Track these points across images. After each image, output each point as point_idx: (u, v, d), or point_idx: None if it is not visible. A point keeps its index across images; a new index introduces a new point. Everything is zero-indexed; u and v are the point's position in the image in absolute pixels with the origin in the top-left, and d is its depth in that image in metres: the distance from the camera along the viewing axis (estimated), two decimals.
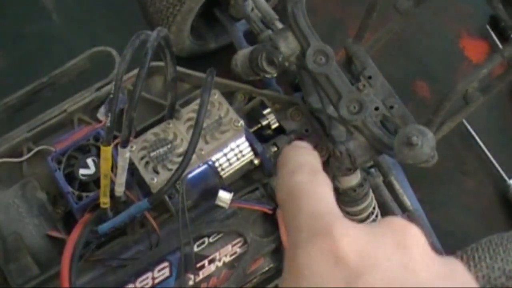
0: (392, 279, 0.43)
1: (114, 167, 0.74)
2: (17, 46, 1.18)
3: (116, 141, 0.76)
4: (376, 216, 0.79)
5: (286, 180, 0.53)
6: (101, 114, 0.88)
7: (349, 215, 0.78)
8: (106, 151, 0.71)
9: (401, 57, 1.11)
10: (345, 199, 0.76)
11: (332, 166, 0.75)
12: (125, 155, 0.71)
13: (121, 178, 0.74)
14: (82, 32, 1.18)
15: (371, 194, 0.78)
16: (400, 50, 1.10)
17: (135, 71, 0.86)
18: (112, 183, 0.74)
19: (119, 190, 0.75)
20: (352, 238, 0.44)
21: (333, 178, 0.77)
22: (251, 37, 1.01)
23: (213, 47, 1.08)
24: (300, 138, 0.84)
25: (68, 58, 0.94)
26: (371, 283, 0.42)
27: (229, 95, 0.87)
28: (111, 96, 0.69)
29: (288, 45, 0.77)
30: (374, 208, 0.79)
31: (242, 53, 0.88)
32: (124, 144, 0.71)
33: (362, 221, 0.78)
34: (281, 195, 0.53)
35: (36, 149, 0.86)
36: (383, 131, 0.73)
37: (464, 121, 1.04)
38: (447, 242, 0.88)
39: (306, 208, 0.48)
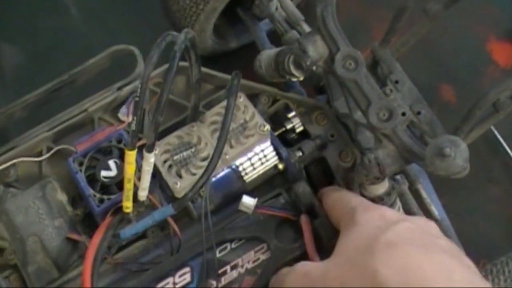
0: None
1: (137, 170, 0.73)
2: (34, 41, 1.17)
3: (139, 143, 0.74)
4: None
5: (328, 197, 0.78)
6: (122, 114, 0.86)
7: None
8: (131, 155, 0.69)
9: (426, 59, 1.09)
10: None
11: (359, 174, 0.73)
12: (150, 159, 0.70)
13: (145, 182, 0.72)
14: (101, 27, 1.16)
15: (398, 203, 0.76)
16: (425, 52, 1.08)
17: (158, 71, 0.85)
18: (135, 187, 0.73)
19: (143, 194, 0.74)
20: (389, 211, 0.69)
21: (360, 186, 0.75)
22: (274, 37, 0.99)
23: (234, 46, 1.06)
24: (325, 143, 0.83)
25: (86, 54, 0.93)
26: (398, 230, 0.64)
27: (252, 97, 0.85)
28: (137, 99, 0.68)
29: (316, 49, 0.75)
30: None
31: (267, 54, 0.86)
32: (150, 149, 0.69)
33: None
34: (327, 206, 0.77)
35: (56, 149, 0.85)
36: (413, 140, 0.71)
37: (492, 127, 1.02)
38: (471, 250, 0.86)
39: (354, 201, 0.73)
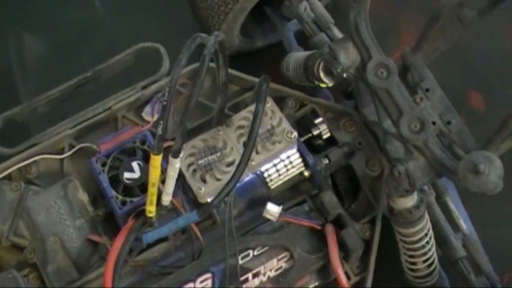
0: None
1: (161, 173, 0.72)
2: (58, 32, 1.15)
3: (164, 145, 0.73)
4: (430, 238, 0.75)
5: None
6: (146, 113, 0.85)
7: (401, 236, 0.75)
8: (156, 160, 0.68)
9: (455, 66, 1.07)
10: (400, 220, 0.73)
11: (388, 185, 0.72)
12: (175, 165, 0.69)
13: (170, 187, 0.71)
14: (125, 20, 1.15)
15: (426, 216, 0.74)
16: (455, 58, 1.06)
17: (184, 71, 0.84)
18: (159, 190, 0.72)
19: (167, 199, 0.72)
20: None
21: (388, 197, 0.73)
22: (301, 38, 0.98)
23: (260, 46, 1.05)
24: (353, 151, 0.81)
25: (110, 47, 0.92)
26: None
27: (279, 100, 0.84)
28: (164, 103, 0.67)
29: (348, 56, 0.74)
30: (428, 230, 0.75)
31: (295, 57, 0.84)
32: (176, 155, 0.68)
33: (414, 243, 0.75)
34: None
35: (78, 146, 0.84)
36: (446, 154, 0.70)
37: None
38: (497, 260, 0.85)
39: None
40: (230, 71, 0.83)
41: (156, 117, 0.84)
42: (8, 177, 0.83)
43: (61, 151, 0.84)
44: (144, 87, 0.86)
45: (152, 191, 0.71)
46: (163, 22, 1.14)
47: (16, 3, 1.16)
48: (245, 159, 0.69)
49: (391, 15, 1.11)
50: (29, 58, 1.14)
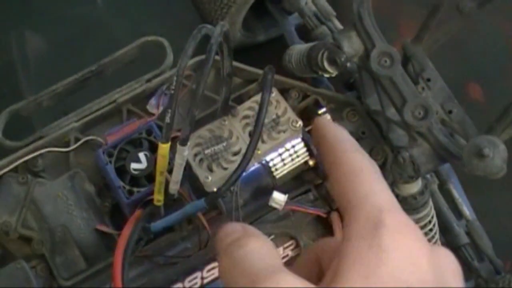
0: None
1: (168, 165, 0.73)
2: (60, 29, 1.16)
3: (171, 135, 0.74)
4: (434, 225, 0.77)
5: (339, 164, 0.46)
6: (151, 106, 0.86)
7: None
8: (164, 148, 0.69)
9: (455, 58, 1.09)
10: (404, 207, 0.74)
11: (393, 172, 0.73)
12: (183, 153, 0.70)
13: (177, 176, 0.72)
14: (126, 17, 1.16)
15: (430, 203, 0.75)
16: (454, 50, 1.07)
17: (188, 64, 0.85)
18: (166, 180, 0.73)
19: (174, 188, 0.73)
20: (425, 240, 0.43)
21: (393, 184, 0.74)
22: (302, 32, 0.99)
23: (262, 40, 1.06)
24: (356, 140, 0.82)
25: (112, 43, 0.93)
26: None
27: (282, 92, 0.84)
28: (172, 91, 0.67)
29: (351, 45, 0.75)
30: (432, 217, 0.76)
31: (298, 49, 0.85)
32: (184, 142, 0.69)
33: None
34: None
35: (84, 139, 0.84)
36: (449, 139, 0.71)
37: None
38: (499, 251, 0.86)
39: (382, 198, 0.43)
40: (234, 63, 0.84)
41: (161, 109, 0.85)
42: (15, 170, 0.84)
43: (67, 144, 0.85)
44: (149, 80, 0.87)
45: (160, 179, 0.71)
46: (166, 18, 1.15)
47: (17, 0, 1.17)
48: (252, 146, 0.70)
49: (392, 10, 1.13)
50: (31, 55, 1.15)
